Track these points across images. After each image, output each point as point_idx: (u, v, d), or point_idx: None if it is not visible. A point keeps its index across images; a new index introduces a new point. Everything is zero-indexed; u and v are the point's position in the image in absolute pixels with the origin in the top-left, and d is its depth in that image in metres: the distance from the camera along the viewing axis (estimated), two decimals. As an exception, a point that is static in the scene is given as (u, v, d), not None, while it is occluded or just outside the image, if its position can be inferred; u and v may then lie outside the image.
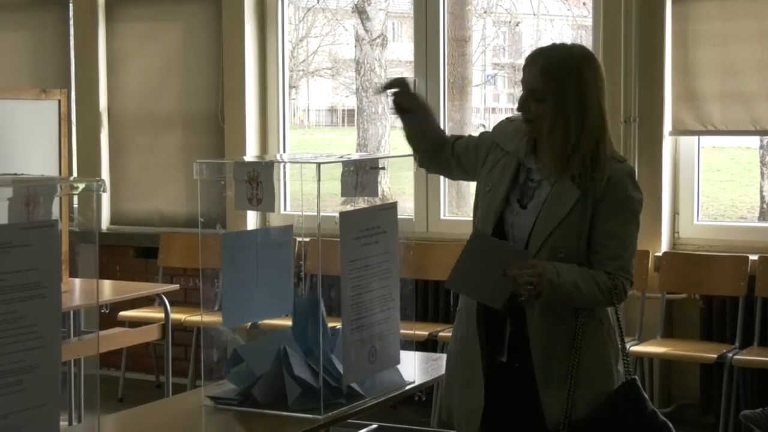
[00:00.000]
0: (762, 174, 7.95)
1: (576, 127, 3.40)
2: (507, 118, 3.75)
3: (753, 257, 6.36)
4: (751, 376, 6.29)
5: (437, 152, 3.77)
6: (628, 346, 5.72)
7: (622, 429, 3.47)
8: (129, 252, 7.93)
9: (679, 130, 6.55)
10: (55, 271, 2.70)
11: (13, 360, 2.64)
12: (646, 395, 3.50)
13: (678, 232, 6.70)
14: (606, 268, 3.44)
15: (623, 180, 3.46)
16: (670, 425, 3.50)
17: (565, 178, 3.44)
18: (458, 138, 3.81)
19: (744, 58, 6.38)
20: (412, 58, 7.40)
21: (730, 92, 6.43)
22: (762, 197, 7.99)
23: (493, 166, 3.59)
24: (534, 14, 9.13)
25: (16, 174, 3.01)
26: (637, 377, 3.58)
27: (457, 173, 3.83)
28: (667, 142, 6.55)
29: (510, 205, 3.51)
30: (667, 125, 6.52)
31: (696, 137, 6.63)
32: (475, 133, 3.86)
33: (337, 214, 3.62)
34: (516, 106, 3.52)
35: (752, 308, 6.32)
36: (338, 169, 3.76)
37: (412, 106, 3.74)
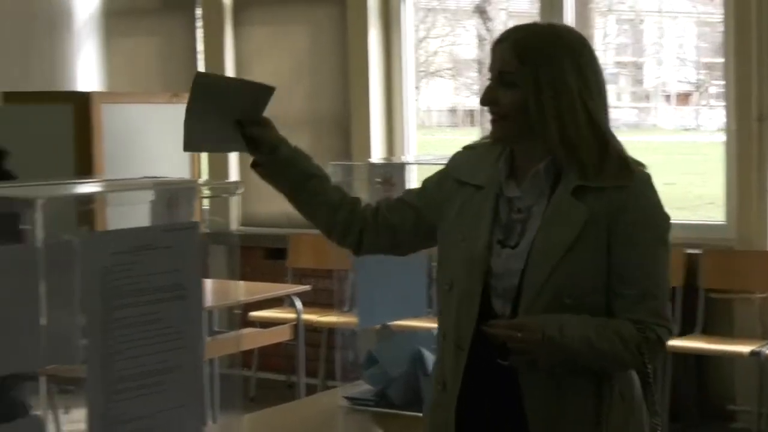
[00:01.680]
0: None
1: (567, 115, 2.58)
2: (464, 147, 2.87)
3: None
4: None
5: (356, 220, 2.88)
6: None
7: None
8: (258, 253, 7.98)
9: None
10: (196, 272, 2.71)
11: (156, 360, 2.65)
12: None
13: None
14: (634, 315, 2.56)
15: (646, 191, 2.61)
16: None
17: (565, 194, 2.60)
18: (382, 201, 2.95)
19: None
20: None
21: None
22: None
23: (461, 210, 2.72)
24: (658, 11, 9.00)
25: (156, 177, 3.03)
26: None
27: (406, 241, 2.92)
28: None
29: (493, 250, 2.64)
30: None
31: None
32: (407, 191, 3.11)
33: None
34: (481, 98, 2.68)
35: None
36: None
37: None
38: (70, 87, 8.33)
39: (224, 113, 2.75)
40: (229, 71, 8.03)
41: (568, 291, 2.55)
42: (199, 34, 8.25)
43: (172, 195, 2.82)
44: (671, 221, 2.66)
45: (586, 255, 2.55)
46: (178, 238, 2.67)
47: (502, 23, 8.13)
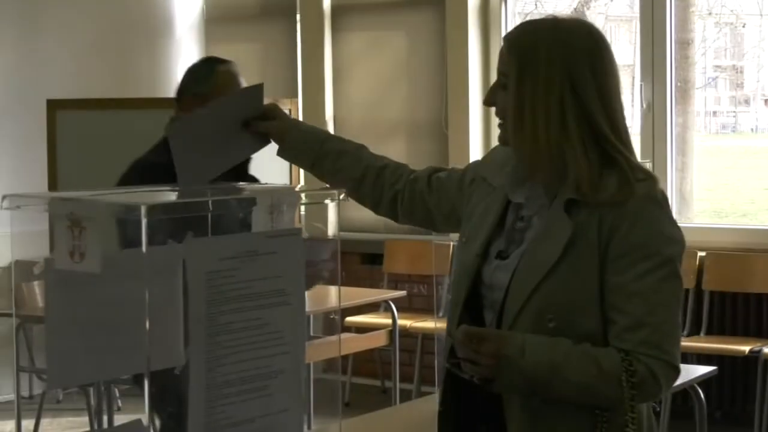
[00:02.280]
0: None
1: (543, 122, 2.37)
2: (500, 143, 2.62)
3: None
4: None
5: (384, 190, 2.80)
6: None
7: None
8: (355, 258, 8.01)
9: None
10: (300, 278, 2.72)
11: (260, 365, 2.67)
12: None
13: None
14: (623, 344, 2.31)
15: (647, 207, 2.35)
16: None
17: (558, 207, 2.40)
18: (436, 170, 2.81)
19: None
20: (630, 61, 7.27)
21: None
22: None
23: (473, 210, 2.60)
24: (760, 14, 8.85)
25: (260, 183, 3.05)
26: None
27: (438, 218, 2.79)
28: None
29: (488, 259, 2.49)
30: None
31: None
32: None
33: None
34: (484, 99, 2.58)
35: None
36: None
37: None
38: (171, 93, 8.42)
39: (216, 138, 2.73)
40: (328, 77, 8.07)
41: (550, 312, 2.34)
42: (299, 39, 8.30)
43: (273, 202, 2.84)
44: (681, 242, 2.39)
45: (571, 275, 2.34)
46: (281, 244, 2.69)
47: (600, 28, 8.06)
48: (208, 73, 4.12)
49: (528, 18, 7.46)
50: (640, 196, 2.35)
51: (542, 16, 2.56)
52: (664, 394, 2.41)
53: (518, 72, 2.41)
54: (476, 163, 2.74)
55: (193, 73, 4.18)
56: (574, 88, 2.38)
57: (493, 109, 2.53)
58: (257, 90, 2.75)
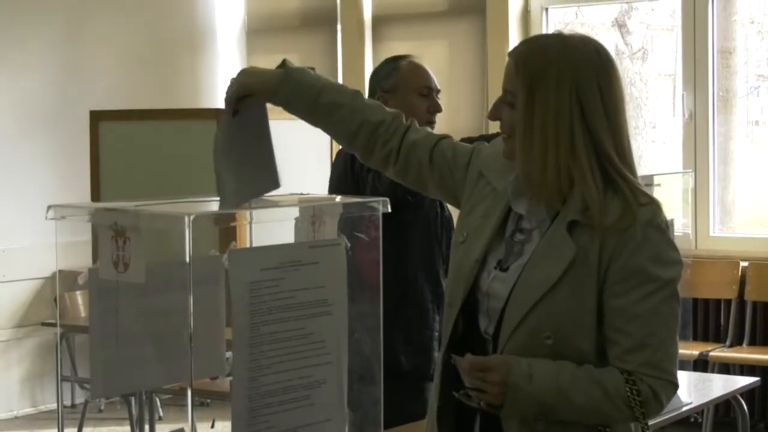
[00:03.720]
0: None
1: (561, 142, 2.37)
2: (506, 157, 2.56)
3: None
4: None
5: (377, 145, 2.74)
6: None
7: None
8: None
9: None
10: (341, 288, 2.73)
11: (302, 375, 2.68)
12: None
13: None
14: (625, 365, 2.34)
15: (649, 233, 2.36)
16: None
17: (561, 226, 2.41)
18: (439, 139, 2.75)
19: None
20: (672, 71, 7.25)
21: None
22: None
23: (473, 208, 2.59)
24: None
25: (301, 194, 3.06)
26: None
27: (432, 189, 2.77)
28: None
29: (487, 266, 2.50)
30: None
31: None
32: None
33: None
34: (488, 114, 2.54)
35: None
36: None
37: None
38: (214, 104, 8.46)
39: (241, 158, 2.78)
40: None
41: (548, 330, 2.36)
42: (339, 50, 8.32)
43: (316, 212, 2.85)
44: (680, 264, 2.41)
45: (569, 296, 2.36)
46: (324, 254, 2.70)
47: (641, 37, 8.04)
48: (392, 68, 4.19)
49: (568, 28, 7.44)
50: (642, 222, 2.37)
51: (548, 33, 2.63)
52: (664, 410, 2.43)
53: (527, 94, 2.40)
54: (482, 153, 2.67)
55: (378, 73, 4.26)
56: (582, 109, 2.39)
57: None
58: (261, 110, 2.75)
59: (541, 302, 2.37)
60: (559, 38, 2.47)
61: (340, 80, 8.30)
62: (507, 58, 2.50)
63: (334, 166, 4.35)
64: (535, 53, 2.44)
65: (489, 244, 2.51)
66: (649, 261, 2.35)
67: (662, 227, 2.39)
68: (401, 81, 4.17)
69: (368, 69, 8.13)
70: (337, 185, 4.20)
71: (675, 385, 2.39)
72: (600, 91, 2.40)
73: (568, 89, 2.39)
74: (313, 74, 2.72)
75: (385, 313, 3.81)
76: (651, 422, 3.42)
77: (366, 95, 4.21)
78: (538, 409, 2.35)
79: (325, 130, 2.86)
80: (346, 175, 4.15)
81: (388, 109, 2.78)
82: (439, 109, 4.28)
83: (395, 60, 4.29)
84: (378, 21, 8.15)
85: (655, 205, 2.41)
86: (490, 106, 2.56)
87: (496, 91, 8.43)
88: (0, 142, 7.46)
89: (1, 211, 7.34)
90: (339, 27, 8.30)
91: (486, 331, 2.52)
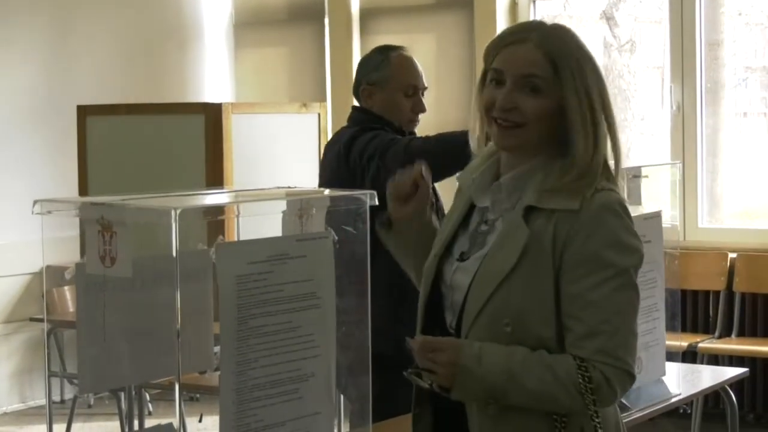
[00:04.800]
0: None
1: (595, 129, 2.40)
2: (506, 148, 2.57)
3: None
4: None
5: None
6: None
7: None
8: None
9: None
10: (329, 281, 2.73)
11: (291, 368, 2.68)
12: None
13: None
14: (579, 351, 2.31)
15: (603, 217, 2.34)
16: None
17: (518, 213, 2.40)
18: None
19: None
20: (660, 63, 7.26)
21: None
22: None
23: (448, 213, 2.66)
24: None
25: (289, 187, 3.06)
26: None
27: None
28: None
29: (450, 259, 2.51)
30: None
31: None
32: None
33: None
34: (501, 103, 2.43)
35: None
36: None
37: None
38: (201, 98, 8.46)
39: None
40: (356, 80, 8.09)
41: (506, 318, 2.35)
42: (327, 43, 8.31)
43: (303, 206, 2.84)
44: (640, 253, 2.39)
45: (525, 283, 2.35)
46: (311, 247, 2.70)
47: (629, 29, 8.05)
48: (381, 61, 4.14)
49: (556, 20, 7.46)
50: (602, 204, 2.35)
51: (539, 20, 2.64)
52: (619, 399, 2.40)
53: (571, 80, 2.40)
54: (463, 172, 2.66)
55: (366, 63, 4.20)
56: (603, 97, 2.44)
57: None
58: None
59: (498, 290, 2.36)
60: (564, 28, 2.49)
61: (327, 74, 8.29)
62: (514, 46, 2.44)
63: (325, 163, 4.31)
64: (561, 41, 2.43)
65: (449, 237, 2.52)
66: (603, 247, 2.33)
67: (619, 212, 2.37)
68: (389, 77, 4.14)
69: (356, 62, 8.13)
70: (329, 180, 4.17)
71: (630, 375, 2.35)
72: (597, 76, 2.44)
73: (595, 79, 2.42)
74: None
75: (390, 305, 3.81)
76: (639, 413, 3.47)
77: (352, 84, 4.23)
78: (488, 392, 2.33)
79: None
80: (340, 169, 4.12)
81: None
82: (423, 110, 4.25)
83: (385, 51, 4.24)
84: (366, 14, 8.14)
85: (614, 192, 2.40)
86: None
87: (484, 84, 8.29)
88: (-14, 137, 7.45)
89: (-11, 206, 7.33)
90: (327, 20, 8.29)
91: (450, 326, 2.51)
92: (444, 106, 7.78)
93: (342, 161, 4.11)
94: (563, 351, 2.35)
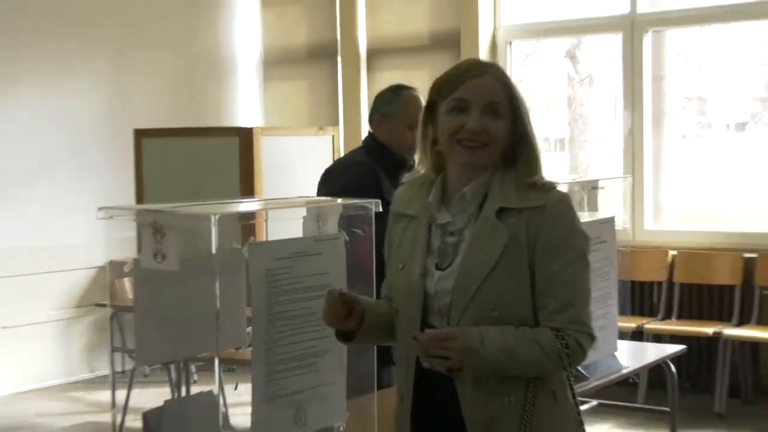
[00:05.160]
0: None
1: (535, 141, 2.41)
2: (403, 184, 2.59)
3: None
4: None
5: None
6: None
7: None
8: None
9: None
10: (341, 274, 2.74)
11: (309, 346, 2.69)
12: None
13: None
14: (554, 323, 2.32)
15: (561, 210, 2.36)
16: None
17: (490, 215, 2.37)
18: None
19: None
20: (614, 94, 7.26)
21: None
22: None
23: (400, 241, 2.49)
24: (720, 54, 8.81)
25: (308, 197, 3.06)
26: None
27: None
28: None
29: (429, 273, 2.41)
30: None
31: None
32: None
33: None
34: (473, 127, 2.36)
35: None
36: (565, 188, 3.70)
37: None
38: (236, 122, 8.46)
39: None
40: (364, 108, 8.08)
41: (493, 304, 2.31)
42: (340, 77, 8.31)
43: (320, 212, 2.85)
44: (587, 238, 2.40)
45: (509, 272, 2.32)
46: (326, 246, 2.70)
47: (588, 66, 8.05)
48: (393, 97, 4.11)
49: (528, 59, 7.42)
50: (555, 202, 2.36)
51: (477, 58, 2.51)
52: (586, 358, 2.40)
53: (520, 104, 2.40)
54: (395, 200, 2.58)
55: (381, 97, 4.16)
56: (528, 113, 2.43)
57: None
58: None
59: (484, 283, 2.32)
60: (494, 64, 2.50)
61: (340, 103, 8.28)
62: (478, 78, 2.41)
63: (356, 176, 4.01)
64: (504, 73, 2.44)
65: (424, 258, 2.41)
66: (566, 235, 2.34)
67: (571, 205, 2.40)
68: (397, 111, 4.09)
69: (364, 93, 8.13)
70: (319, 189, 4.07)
71: (594, 337, 2.37)
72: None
73: (523, 98, 2.43)
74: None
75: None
76: (594, 383, 3.46)
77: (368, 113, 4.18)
78: (491, 367, 2.29)
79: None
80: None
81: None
82: None
83: (398, 89, 4.17)
84: (372, 53, 8.14)
85: (559, 189, 2.41)
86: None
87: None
88: (59, 155, 7.44)
89: (63, 213, 7.32)
90: (339, 58, 8.29)
91: (442, 325, 2.38)
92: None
93: (320, 187, 4.09)
94: (537, 325, 2.33)
